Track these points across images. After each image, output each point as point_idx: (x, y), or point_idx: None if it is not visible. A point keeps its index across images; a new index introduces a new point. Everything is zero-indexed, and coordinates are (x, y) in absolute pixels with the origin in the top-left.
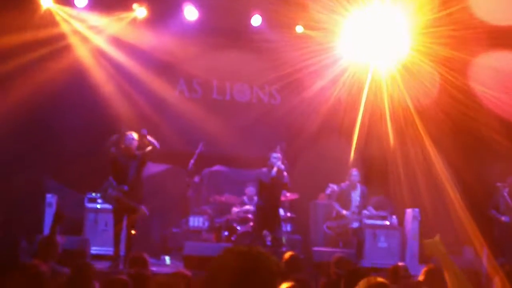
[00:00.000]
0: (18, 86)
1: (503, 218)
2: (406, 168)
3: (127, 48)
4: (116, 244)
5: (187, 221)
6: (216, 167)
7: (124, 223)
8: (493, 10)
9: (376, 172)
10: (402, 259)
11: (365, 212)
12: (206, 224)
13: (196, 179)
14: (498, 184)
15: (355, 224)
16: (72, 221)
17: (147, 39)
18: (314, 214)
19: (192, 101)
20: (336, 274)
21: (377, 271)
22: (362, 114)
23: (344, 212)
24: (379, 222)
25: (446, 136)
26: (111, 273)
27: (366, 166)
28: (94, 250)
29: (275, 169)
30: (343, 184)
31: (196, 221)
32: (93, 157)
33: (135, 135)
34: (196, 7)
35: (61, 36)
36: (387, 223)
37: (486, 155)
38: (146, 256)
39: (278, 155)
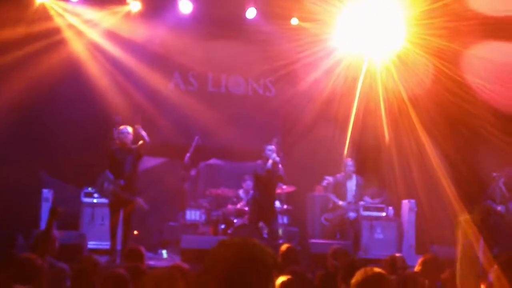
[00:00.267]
0: (12, 81)
1: (499, 208)
2: (400, 159)
3: (122, 42)
4: (113, 238)
5: (184, 215)
6: (212, 160)
7: (121, 217)
8: (487, 1)
9: (371, 164)
10: (399, 250)
11: (362, 202)
12: (203, 217)
13: (193, 172)
14: (494, 174)
15: (352, 214)
16: (69, 216)
17: (142, 33)
18: (311, 206)
19: (187, 94)
20: (333, 265)
21: (374, 262)
22: (357, 105)
23: (341, 202)
24: (375, 213)
25: (441, 127)
26: (108, 267)
27: (361, 157)
28: (91, 244)
29: (270, 162)
30: (338, 175)
31: (192, 215)
32: (89, 152)
33: (130, 129)
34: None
35: (56, 31)
36: (384, 214)
37: (480, 146)
38: (142, 249)
39: (273, 147)
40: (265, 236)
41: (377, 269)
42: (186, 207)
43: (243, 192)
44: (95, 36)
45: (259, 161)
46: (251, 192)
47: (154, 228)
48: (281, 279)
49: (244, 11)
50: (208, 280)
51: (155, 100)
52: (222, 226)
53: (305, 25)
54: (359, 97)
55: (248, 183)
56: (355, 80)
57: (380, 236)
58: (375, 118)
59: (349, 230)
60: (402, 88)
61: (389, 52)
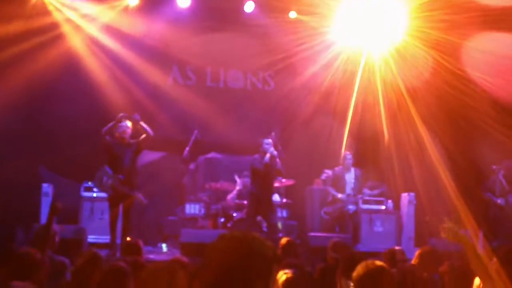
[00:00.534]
0: (11, 76)
1: (498, 201)
2: (399, 152)
3: (120, 36)
4: (113, 232)
5: (183, 209)
6: (211, 154)
7: (120, 211)
8: None
9: (369, 157)
10: (398, 243)
11: (360, 195)
12: (202, 211)
13: (192, 166)
14: (494, 166)
15: (351, 207)
16: (68, 210)
17: (140, 27)
18: (310, 199)
19: (186, 88)
20: (333, 258)
21: (373, 255)
22: (356, 99)
23: (340, 195)
24: (375, 206)
25: (440, 120)
26: (108, 261)
27: (359, 150)
28: (90, 238)
29: (268, 155)
30: (337, 169)
31: (192, 208)
32: (88, 146)
33: (129, 124)
34: None
35: (54, 25)
36: (383, 207)
37: (480, 139)
38: (140, 243)
39: (270, 141)
40: (265, 229)
41: (378, 263)
42: (185, 201)
43: (241, 186)
44: (93, 30)
45: (256, 155)
46: (238, 187)
47: (154, 222)
48: (284, 276)
49: (242, 4)
50: (208, 274)
51: (153, 94)
52: (222, 220)
53: (304, 18)
54: (357, 90)
55: (246, 180)
56: (353, 73)
57: (380, 229)
58: (373, 112)
59: (348, 223)
60: (401, 81)
61: (388, 45)
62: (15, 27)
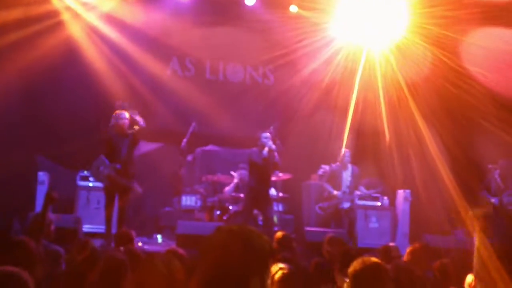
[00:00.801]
0: (10, 64)
1: (493, 200)
2: (399, 148)
3: (120, 26)
4: (108, 222)
5: (180, 200)
6: (209, 147)
7: (116, 201)
8: None
9: (369, 153)
10: (393, 239)
11: (357, 192)
12: (199, 203)
13: (189, 158)
14: (490, 166)
15: (346, 204)
16: (64, 199)
17: (140, 17)
18: (306, 194)
19: (185, 80)
20: (328, 253)
21: (368, 251)
22: (356, 95)
23: (335, 192)
24: (370, 203)
25: (440, 116)
26: (105, 251)
27: (359, 147)
28: (86, 228)
29: (266, 149)
30: (334, 165)
31: (188, 200)
32: (85, 135)
33: (126, 114)
34: None
35: (53, 13)
36: (379, 204)
37: (479, 135)
38: (132, 233)
39: (268, 134)
40: (260, 223)
41: (374, 259)
42: (182, 193)
43: (238, 180)
44: (93, 19)
45: (254, 149)
46: (236, 180)
47: (150, 213)
48: (280, 272)
49: None
50: (205, 267)
51: (152, 85)
52: (218, 213)
53: (305, 13)
54: (358, 86)
55: (243, 172)
56: (354, 69)
57: (375, 225)
58: (374, 108)
59: (343, 219)
60: (401, 77)
61: (389, 41)
62: (14, 14)
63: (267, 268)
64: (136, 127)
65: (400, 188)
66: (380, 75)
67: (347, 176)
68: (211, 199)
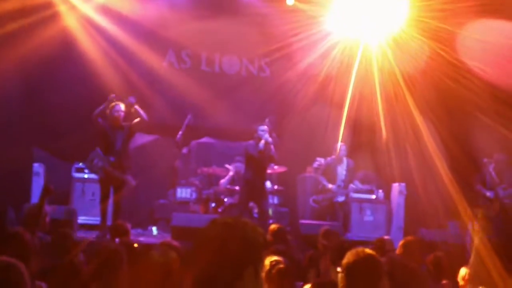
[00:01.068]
0: (4, 56)
1: (488, 194)
2: (395, 142)
3: (116, 17)
4: (103, 214)
5: (175, 192)
6: (205, 139)
7: (111, 193)
8: None
9: (365, 147)
10: (388, 232)
11: (351, 186)
12: (194, 195)
13: (184, 150)
14: (485, 160)
15: (341, 198)
16: (59, 191)
17: (136, 9)
18: (302, 187)
19: (181, 72)
20: (323, 246)
21: (362, 244)
22: (352, 89)
23: (330, 185)
24: (365, 196)
25: (436, 110)
26: (100, 242)
27: (355, 140)
28: (81, 219)
29: (262, 142)
30: (329, 158)
31: (183, 193)
32: (80, 127)
33: (122, 106)
34: None
35: (49, 4)
36: (373, 197)
37: (476, 130)
38: (127, 225)
39: (265, 127)
40: (255, 216)
41: (368, 250)
42: (177, 185)
43: (234, 172)
44: (89, 10)
45: (251, 141)
46: (231, 173)
47: (145, 205)
48: (276, 267)
49: None
50: (199, 259)
51: (148, 77)
52: (213, 205)
53: (301, 6)
54: (355, 80)
55: (239, 165)
56: (351, 63)
57: (370, 218)
58: (370, 101)
59: (338, 212)
60: (398, 71)
61: (386, 35)
62: (10, 4)
63: (261, 260)
64: (138, 119)
65: (395, 182)
66: (377, 69)
67: (342, 169)
68: (206, 192)
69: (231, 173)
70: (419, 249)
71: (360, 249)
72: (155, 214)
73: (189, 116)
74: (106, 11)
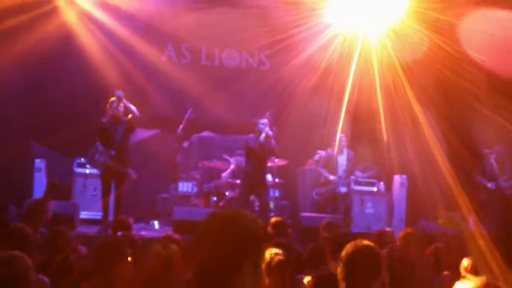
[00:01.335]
0: (4, 51)
1: (489, 185)
2: (395, 134)
3: (115, 12)
4: (105, 209)
5: (176, 187)
6: (205, 133)
7: (113, 188)
8: None
9: (365, 138)
10: (389, 225)
11: (352, 176)
12: (195, 189)
13: (185, 144)
14: (485, 150)
15: (343, 189)
16: (61, 186)
17: (135, 3)
18: (302, 180)
19: (180, 66)
20: (324, 238)
21: (363, 236)
22: (352, 80)
23: (332, 177)
24: (366, 188)
25: (436, 101)
26: (101, 237)
27: (355, 132)
28: (83, 214)
29: (263, 136)
30: (330, 150)
31: (185, 187)
32: (81, 122)
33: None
34: None
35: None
36: (375, 189)
37: (476, 120)
38: (129, 220)
39: (265, 120)
40: (256, 209)
41: (367, 242)
42: (178, 179)
43: (234, 165)
44: (88, 5)
45: (251, 135)
46: (233, 166)
47: (146, 199)
48: (276, 258)
49: None
50: (199, 251)
51: (148, 71)
52: (214, 199)
53: None
54: (354, 71)
55: (239, 158)
56: (350, 54)
57: (371, 210)
58: (370, 93)
59: (340, 204)
60: (397, 62)
61: (385, 26)
62: (9, 0)
63: (261, 253)
64: (130, 116)
65: (396, 174)
66: (377, 60)
67: (342, 160)
68: (208, 185)
69: (232, 166)
70: (419, 241)
71: (359, 241)
72: (156, 208)
73: (189, 110)
74: (105, 5)
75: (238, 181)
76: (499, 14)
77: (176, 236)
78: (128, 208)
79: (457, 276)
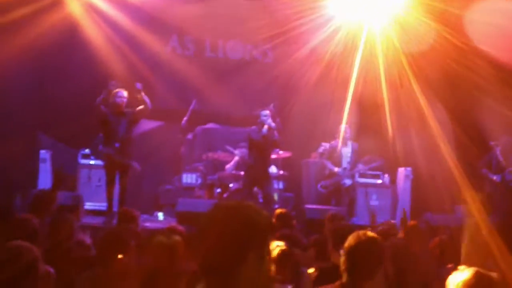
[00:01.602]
0: (10, 44)
1: (494, 178)
2: (400, 126)
3: (119, 3)
4: (109, 200)
5: (180, 178)
6: (209, 125)
7: (117, 179)
8: None
9: (370, 130)
10: (393, 217)
11: (357, 168)
12: (199, 181)
13: (189, 136)
14: (491, 143)
15: (347, 181)
16: (66, 177)
17: None
18: (306, 172)
19: (184, 58)
20: (329, 230)
21: (366, 228)
22: (357, 72)
23: (336, 169)
24: (371, 180)
25: (441, 93)
26: (105, 228)
27: (360, 124)
28: (88, 205)
29: (266, 127)
30: (334, 142)
31: (188, 178)
32: (86, 113)
33: (125, 93)
34: None
35: None
36: (379, 181)
37: (482, 113)
38: (135, 211)
39: (268, 112)
40: (260, 201)
41: (370, 233)
42: (182, 171)
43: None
44: None
45: (254, 127)
46: (237, 158)
47: (150, 190)
48: (278, 249)
49: None
50: (203, 242)
51: (152, 63)
52: (218, 190)
53: None
54: (359, 63)
55: (243, 150)
56: (355, 46)
57: (375, 203)
58: (375, 84)
59: (344, 196)
60: (402, 53)
61: (390, 17)
62: None
63: (266, 243)
64: (141, 107)
65: (401, 166)
66: (381, 52)
67: (347, 152)
68: (211, 177)
69: (236, 158)
70: (422, 233)
71: (361, 232)
72: (160, 200)
73: (194, 102)
74: None
75: (242, 173)
76: (507, 5)
77: (180, 227)
78: (132, 199)
79: None
